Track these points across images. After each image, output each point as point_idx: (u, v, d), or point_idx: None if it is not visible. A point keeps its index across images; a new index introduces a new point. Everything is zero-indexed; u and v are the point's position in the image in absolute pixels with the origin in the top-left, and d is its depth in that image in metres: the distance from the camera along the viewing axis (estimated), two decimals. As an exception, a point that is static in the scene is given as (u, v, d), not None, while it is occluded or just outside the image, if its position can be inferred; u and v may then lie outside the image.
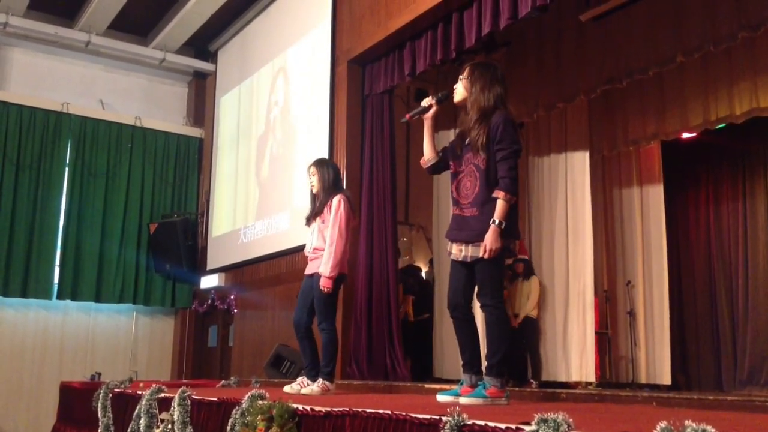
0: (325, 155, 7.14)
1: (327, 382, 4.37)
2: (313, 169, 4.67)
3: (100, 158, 9.51)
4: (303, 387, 4.39)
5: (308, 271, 4.63)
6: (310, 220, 4.66)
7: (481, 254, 3.30)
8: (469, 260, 3.38)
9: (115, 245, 9.40)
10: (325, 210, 4.54)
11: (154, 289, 9.67)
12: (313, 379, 4.46)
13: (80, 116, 9.44)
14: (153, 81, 10.40)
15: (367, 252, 6.76)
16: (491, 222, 3.27)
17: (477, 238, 3.33)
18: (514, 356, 7.11)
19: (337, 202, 4.51)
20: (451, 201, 3.57)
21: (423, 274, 8.81)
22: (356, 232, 6.86)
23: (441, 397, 3.32)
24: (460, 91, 3.54)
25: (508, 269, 7.17)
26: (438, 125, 7.78)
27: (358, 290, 6.69)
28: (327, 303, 4.49)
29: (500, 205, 3.29)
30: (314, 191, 4.66)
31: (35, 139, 9.08)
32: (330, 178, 4.62)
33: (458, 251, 3.43)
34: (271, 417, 2.92)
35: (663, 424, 1.74)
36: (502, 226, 3.27)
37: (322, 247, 4.50)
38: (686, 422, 1.70)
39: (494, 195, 3.31)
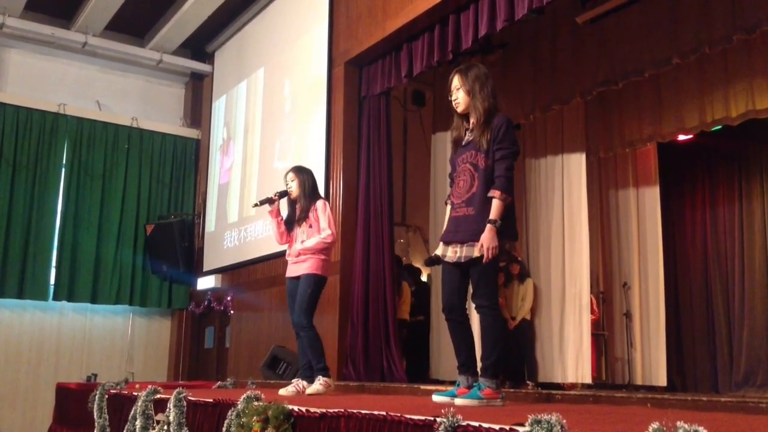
0: (322, 157, 7.15)
1: (326, 378, 4.44)
2: (291, 175, 4.79)
3: (96, 159, 9.49)
4: (299, 389, 4.43)
5: (291, 273, 4.74)
6: (293, 225, 4.76)
7: (476, 254, 3.30)
8: (463, 261, 3.38)
9: (111, 246, 9.39)
10: (311, 215, 4.66)
11: (150, 291, 9.66)
12: (309, 379, 4.50)
13: (77, 117, 9.43)
14: (150, 82, 10.39)
15: (363, 253, 6.76)
16: (487, 222, 3.29)
17: (471, 238, 3.34)
18: (511, 358, 7.11)
19: (322, 204, 4.69)
20: (450, 205, 3.59)
21: (423, 277, 8.79)
22: (353, 234, 6.88)
23: (437, 398, 3.33)
24: (463, 99, 3.54)
25: (502, 271, 7.18)
26: (437, 126, 7.83)
27: (355, 291, 6.69)
28: (310, 302, 4.59)
29: (496, 205, 3.31)
30: (293, 197, 4.77)
31: (32, 140, 9.06)
32: (309, 184, 4.76)
33: (453, 253, 3.43)
34: (267, 418, 2.93)
35: (655, 425, 1.74)
36: (498, 225, 3.28)
37: (309, 249, 4.61)
38: (678, 423, 1.71)
39: (490, 194, 3.32)
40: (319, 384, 4.38)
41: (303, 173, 4.80)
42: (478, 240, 3.30)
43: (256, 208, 5.04)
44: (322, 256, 4.65)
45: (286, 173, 4.84)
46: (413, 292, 8.07)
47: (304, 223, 4.68)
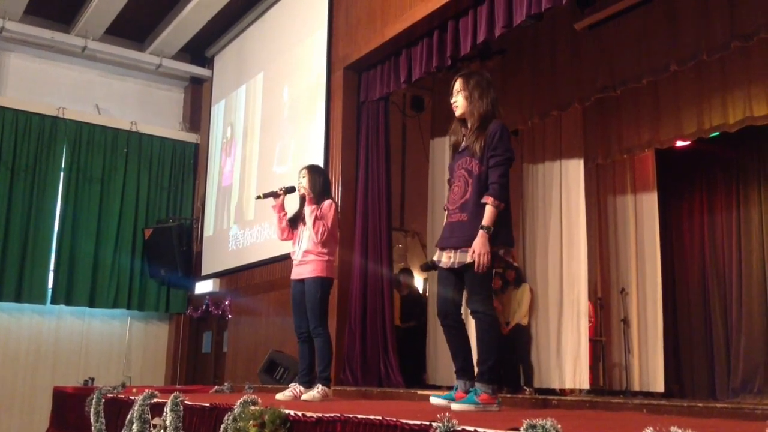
0: (321, 162, 7.16)
1: (326, 388, 4.41)
2: (304, 172, 4.74)
3: (95, 163, 9.50)
4: (296, 394, 4.41)
5: (296, 276, 4.69)
6: (297, 223, 4.73)
7: (469, 260, 3.32)
8: (456, 266, 3.39)
9: (109, 250, 9.39)
10: (316, 213, 4.60)
11: (148, 295, 9.66)
12: (306, 385, 4.48)
13: (76, 121, 9.44)
14: (149, 86, 10.41)
15: (361, 258, 6.77)
16: (479, 228, 3.30)
17: (465, 244, 3.35)
18: (508, 363, 7.11)
19: (328, 205, 4.64)
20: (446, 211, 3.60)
21: (420, 287, 8.76)
22: (351, 238, 6.89)
23: (434, 399, 3.34)
24: (461, 104, 3.57)
25: (498, 277, 7.18)
26: (436, 131, 7.84)
27: (353, 296, 6.69)
28: (321, 306, 4.56)
29: (489, 211, 3.32)
30: (300, 193, 4.72)
31: (30, 144, 9.07)
32: (320, 184, 4.70)
33: (447, 258, 3.45)
34: (263, 423, 2.93)
35: (649, 430, 1.75)
36: (490, 232, 3.30)
37: (313, 250, 4.58)
38: (672, 428, 1.71)
39: (483, 200, 3.34)
40: (316, 392, 4.34)
41: (316, 172, 4.76)
42: (471, 246, 3.31)
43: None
44: (326, 258, 4.60)
45: (301, 170, 4.79)
46: (405, 297, 8.07)
47: (308, 221, 4.62)
